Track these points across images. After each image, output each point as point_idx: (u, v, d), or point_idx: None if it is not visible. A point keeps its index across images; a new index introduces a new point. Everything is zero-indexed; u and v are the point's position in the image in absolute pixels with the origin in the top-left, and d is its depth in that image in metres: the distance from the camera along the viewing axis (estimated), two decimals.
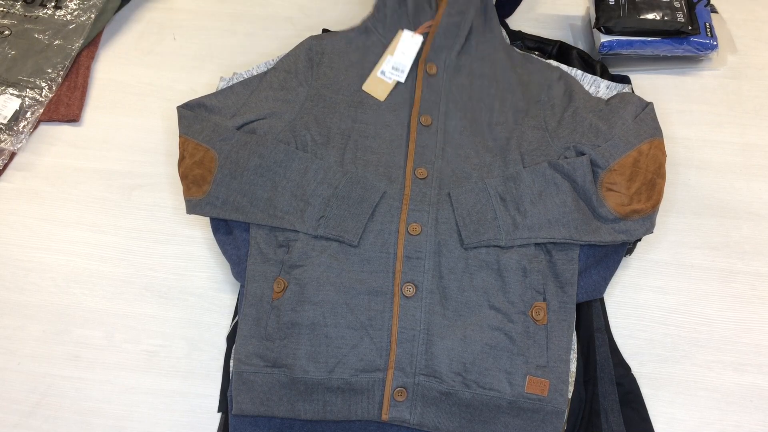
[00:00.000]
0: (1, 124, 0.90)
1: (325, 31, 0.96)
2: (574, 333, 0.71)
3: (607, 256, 0.73)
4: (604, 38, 0.90)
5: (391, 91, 0.80)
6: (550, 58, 0.88)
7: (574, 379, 0.69)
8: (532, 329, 0.68)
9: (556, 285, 0.70)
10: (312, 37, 0.84)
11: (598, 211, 0.71)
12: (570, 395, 0.69)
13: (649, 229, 0.72)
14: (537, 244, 0.70)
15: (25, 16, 1.00)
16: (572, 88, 0.79)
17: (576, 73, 0.83)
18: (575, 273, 0.70)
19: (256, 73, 0.86)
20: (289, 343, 0.68)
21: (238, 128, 0.77)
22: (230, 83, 0.85)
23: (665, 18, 0.89)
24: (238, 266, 0.75)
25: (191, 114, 0.79)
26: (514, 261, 0.70)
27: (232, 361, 0.72)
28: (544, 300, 0.69)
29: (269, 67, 0.86)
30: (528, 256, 0.70)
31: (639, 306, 0.78)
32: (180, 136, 0.78)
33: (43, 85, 0.94)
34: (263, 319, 0.70)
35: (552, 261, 0.70)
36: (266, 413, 0.67)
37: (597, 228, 0.71)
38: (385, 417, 0.67)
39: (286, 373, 0.67)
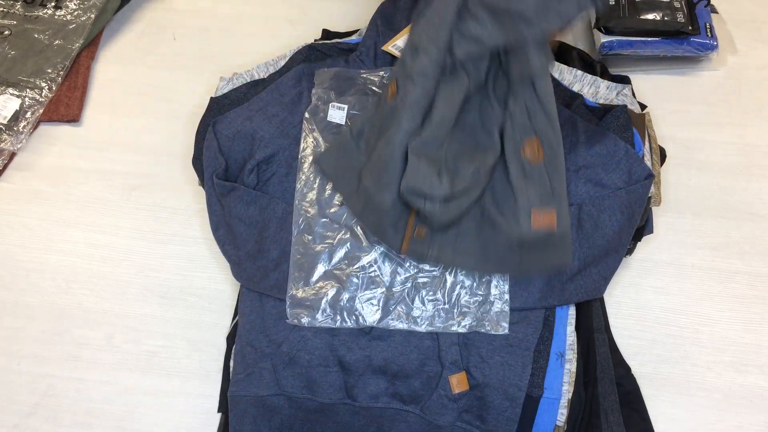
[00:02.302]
0: (1, 124, 0.90)
1: (324, 31, 0.96)
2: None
3: (607, 256, 0.73)
4: (605, 38, 0.90)
5: None
6: None
7: (573, 379, 0.69)
8: (528, 169, 0.69)
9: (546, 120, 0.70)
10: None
11: None
12: (570, 395, 0.69)
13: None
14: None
15: (25, 16, 1.00)
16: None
17: (576, 73, 0.83)
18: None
19: (256, 74, 0.86)
20: None
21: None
22: (230, 83, 0.85)
23: (665, 18, 0.89)
24: (238, 266, 0.75)
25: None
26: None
27: (231, 362, 0.72)
28: (536, 134, 0.69)
29: (269, 67, 0.86)
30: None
31: (639, 306, 0.78)
32: None
33: (43, 85, 0.94)
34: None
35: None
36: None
37: None
38: (405, 247, 0.69)
39: None
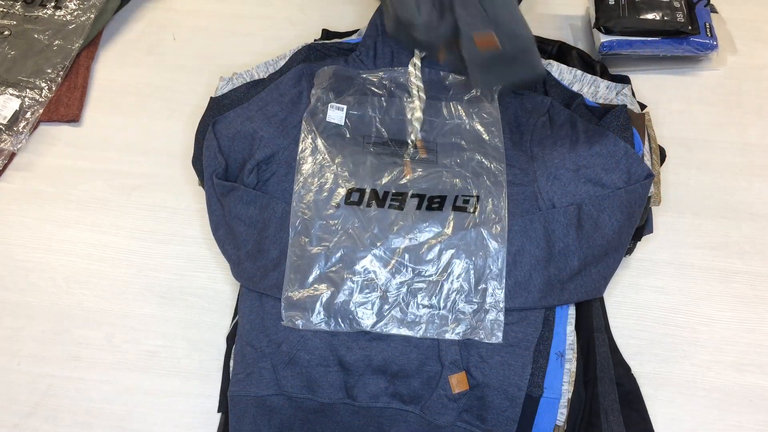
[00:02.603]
0: (1, 124, 0.90)
1: (324, 31, 0.96)
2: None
3: (607, 255, 0.73)
4: (604, 38, 0.90)
5: None
6: (550, 58, 0.88)
7: (573, 379, 0.70)
8: None
9: None
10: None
11: None
12: (570, 395, 0.69)
13: None
14: None
15: (25, 16, 1.00)
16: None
17: (576, 73, 0.83)
18: None
19: (256, 73, 0.86)
20: None
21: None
22: (230, 83, 0.85)
23: (665, 18, 0.89)
24: (238, 266, 0.75)
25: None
26: None
27: (231, 362, 0.72)
28: None
29: (269, 66, 0.86)
30: None
31: (639, 306, 0.78)
32: None
33: (43, 85, 0.94)
34: None
35: None
36: None
37: None
38: (442, 57, 0.78)
39: None
